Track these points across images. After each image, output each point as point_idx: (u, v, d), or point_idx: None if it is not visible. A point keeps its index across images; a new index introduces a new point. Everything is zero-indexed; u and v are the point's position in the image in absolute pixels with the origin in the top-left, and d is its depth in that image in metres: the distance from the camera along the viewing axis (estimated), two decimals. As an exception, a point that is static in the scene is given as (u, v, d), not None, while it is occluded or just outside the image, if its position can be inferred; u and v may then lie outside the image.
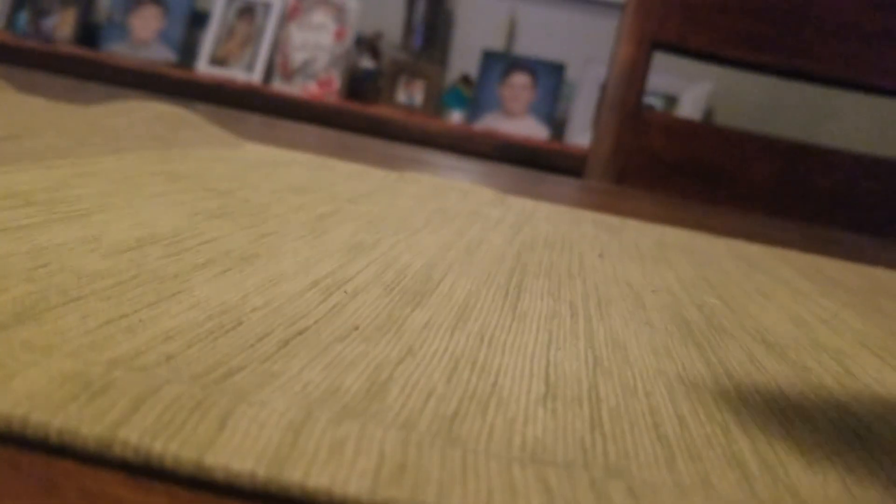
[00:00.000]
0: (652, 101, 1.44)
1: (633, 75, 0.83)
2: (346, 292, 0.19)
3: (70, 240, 0.19)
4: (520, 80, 1.49)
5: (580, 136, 1.44)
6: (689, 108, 1.45)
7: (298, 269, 0.20)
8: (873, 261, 0.47)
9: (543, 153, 1.29)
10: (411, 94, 1.55)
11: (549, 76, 1.49)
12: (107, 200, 0.23)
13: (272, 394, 0.12)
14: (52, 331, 0.13)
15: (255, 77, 1.59)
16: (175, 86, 1.39)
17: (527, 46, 1.60)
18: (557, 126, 1.50)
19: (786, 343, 0.22)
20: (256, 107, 1.37)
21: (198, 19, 1.64)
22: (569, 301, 0.22)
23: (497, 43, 1.61)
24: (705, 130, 0.87)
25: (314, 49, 1.57)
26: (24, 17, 1.61)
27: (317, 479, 0.10)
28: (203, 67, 1.58)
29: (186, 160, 0.33)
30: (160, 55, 1.60)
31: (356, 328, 0.16)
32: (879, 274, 0.40)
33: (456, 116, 1.56)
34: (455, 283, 0.21)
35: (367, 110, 1.42)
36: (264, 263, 0.20)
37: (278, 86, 1.58)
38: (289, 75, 1.58)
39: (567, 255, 0.29)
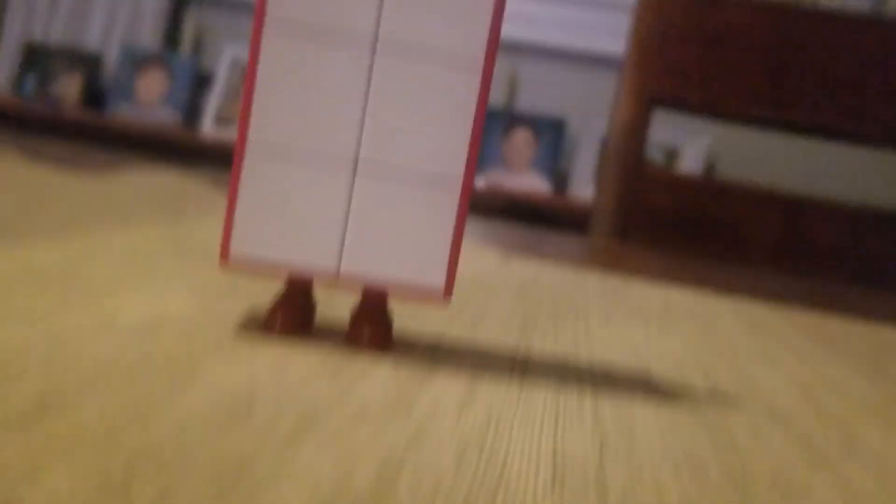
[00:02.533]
0: (654, 154, 1.46)
1: (634, 132, 0.84)
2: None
3: (85, 323, 0.19)
4: (522, 136, 1.51)
5: (583, 189, 1.45)
6: (691, 160, 1.47)
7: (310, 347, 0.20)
8: (878, 316, 0.47)
9: (547, 209, 1.30)
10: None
11: (551, 131, 1.51)
12: (119, 279, 0.23)
13: (286, 490, 0.12)
14: (72, 422, 0.13)
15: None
16: (180, 147, 1.41)
17: (527, 101, 1.62)
18: (560, 180, 1.51)
19: (791, 413, 0.22)
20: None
21: (203, 81, 1.67)
22: (576, 374, 0.22)
23: (498, 99, 1.63)
24: (706, 186, 0.88)
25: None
26: (31, 82, 1.64)
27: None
28: (208, 127, 1.60)
29: (193, 234, 0.34)
30: (165, 116, 1.62)
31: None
32: (885, 335, 0.40)
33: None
34: (461, 359, 0.22)
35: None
36: (273, 346, 0.20)
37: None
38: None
39: (573, 322, 0.29)
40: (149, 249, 0.29)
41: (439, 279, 0.20)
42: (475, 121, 0.20)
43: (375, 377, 0.19)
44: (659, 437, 0.18)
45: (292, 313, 0.21)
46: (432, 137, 0.20)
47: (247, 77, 0.19)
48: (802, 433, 0.20)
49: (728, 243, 0.83)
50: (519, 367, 0.22)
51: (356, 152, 0.19)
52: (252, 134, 0.19)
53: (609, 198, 0.83)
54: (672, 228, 0.83)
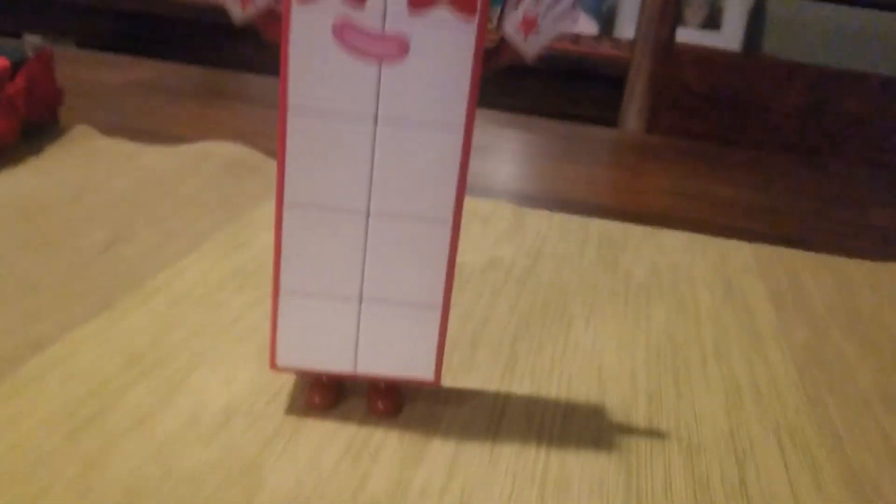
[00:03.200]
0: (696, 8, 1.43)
1: (666, 9, 0.85)
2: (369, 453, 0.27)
3: (175, 427, 0.27)
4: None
5: (628, 28, 1.44)
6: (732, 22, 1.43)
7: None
8: None
9: (589, 60, 1.30)
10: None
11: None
12: (197, 352, 0.31)
13: None
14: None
15: None
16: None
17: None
18: (607, 20, 1.50)
19: (710, 445, 0.29)
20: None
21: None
22: (538, 423, 0.29)
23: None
24: (735, 61, 0.89)
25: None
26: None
27: None
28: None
29: (259, 256, 0.41)
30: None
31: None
32: None
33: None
34: (451, 425, 0.29)
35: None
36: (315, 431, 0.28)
37: None
38: None
39: (556, 328, 0.36)
40: (218, 297, 0.36)
41: (430, 371, 0.27)
42: (460, 171, 0.25)
43: (383, 461, 0.26)
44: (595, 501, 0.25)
45: (325, 393, 0.28)
46: (424, 189, 0.25)
47: (278, 151, 0.25)
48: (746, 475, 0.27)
49: (755, 118, 0.85)
50: (495, 419, 0.29)
51: (367, 206, 0.25)
52: (287, 196, 0.26)
53: (641, 79, 0.86)
54: (701, 105, 0.86)
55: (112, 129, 0.58)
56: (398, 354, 0.27)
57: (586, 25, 1.48)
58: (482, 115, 0.75)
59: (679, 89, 0.84)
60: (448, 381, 0.31)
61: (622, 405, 0.31)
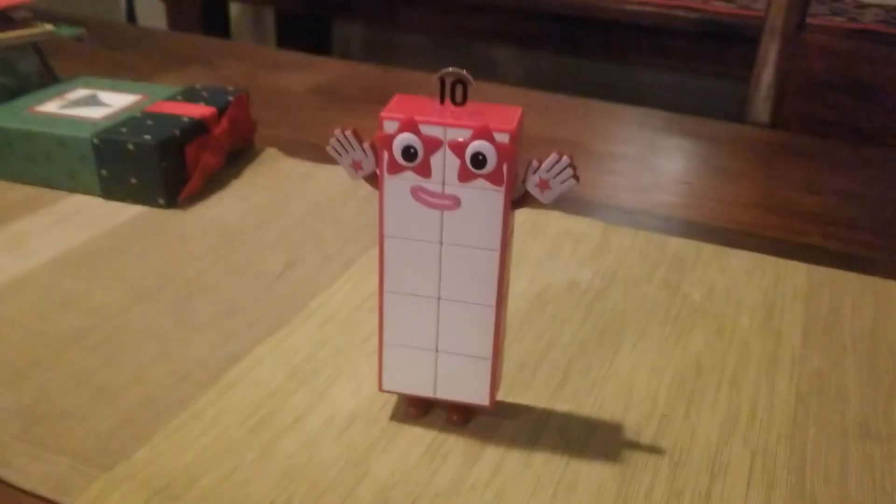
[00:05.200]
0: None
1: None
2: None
3: (318, 427, 0.41)
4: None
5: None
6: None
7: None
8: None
9: (741, 24, 1.31)
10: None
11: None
12: (337, 367, 0.45)
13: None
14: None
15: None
16: None
17: None
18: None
19: None
20: None
21: None
22: (568, 437, 0.41)
23: None
24: (865, 49, 0.91)
25: None
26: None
27: None
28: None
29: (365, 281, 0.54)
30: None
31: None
32: None
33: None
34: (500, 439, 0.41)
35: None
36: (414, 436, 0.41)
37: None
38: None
39: (606, 353, 0.47)
40: (356, 318, 0.50)
41: (486, 399, 0.40)
42: (499, 274, 0.37)
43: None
44: (580, 501, 0.37)
45: (417, 407, 0.41)
46: (475, 285, 0.38)
47: (378, 262, 0.38)
48: None
49: (885, 109, 0.87)
50: (536, 434, 0.41)
51: (438, 294, 0.38)
52: (386, 287, 0.39)
53: (767, 68, 0.90)
54: (828, 93, 0.89)
55: (294, 147, 0.72)
56: (464, 387, 0.40)
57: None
58: (596, 108, 0.84)
59: (806, 75, 0.88)
60: (509, 397, 0.43)
61: (637, 425, 0.42)
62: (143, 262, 0.55)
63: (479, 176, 0.34)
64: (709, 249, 0.59)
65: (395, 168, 0.35)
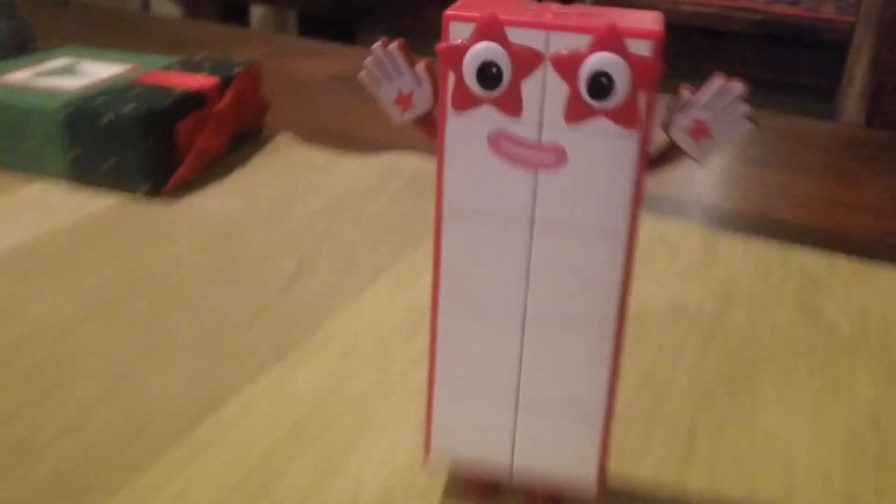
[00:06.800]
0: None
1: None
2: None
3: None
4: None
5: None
6: None
7: None
8: None
9: (807, 28, 1.19)
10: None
11: None
12: (361, 417, 0.31)
13: None
14: None
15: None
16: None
17: None
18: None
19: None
20: None
21: None
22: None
23: None
24: None
25: None
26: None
27: None
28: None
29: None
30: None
31: None
32: None
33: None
34: (615, 512, 0.27)
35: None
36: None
37: None
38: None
39: (742, 402, 0.33)
40: (390, 346, 0.36)
41: (590, 481, 0.26)
42: (622, 278, 0.23)
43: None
44: None
45: (478, 489, 0.28)
46: (583, 296, 0.23)
47: (433, 256, 0.25)
48: None
49: None
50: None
51: (524, 311, 0.24)
52: (443, 299, 0.25)
53: (862, 60, 0.77)
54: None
55: (311, 133, 0.59)
56: (556, 463, 0.26)
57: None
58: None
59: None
60: (617, 468, 0.29)
61: (808, 513, 0.28)
62: (110, 264, 0.41)
63: (601, 112, 0.21)
64: (845, 265, 0.45)
65: (464, 100, 0.22)
